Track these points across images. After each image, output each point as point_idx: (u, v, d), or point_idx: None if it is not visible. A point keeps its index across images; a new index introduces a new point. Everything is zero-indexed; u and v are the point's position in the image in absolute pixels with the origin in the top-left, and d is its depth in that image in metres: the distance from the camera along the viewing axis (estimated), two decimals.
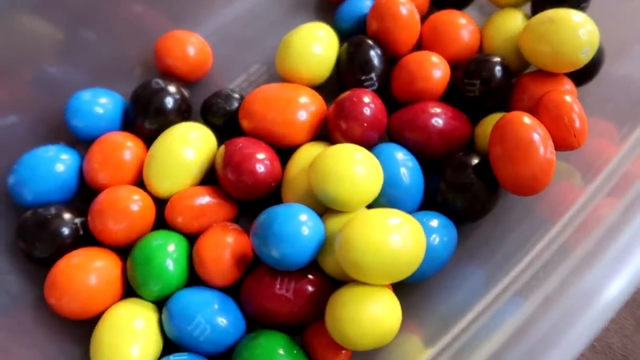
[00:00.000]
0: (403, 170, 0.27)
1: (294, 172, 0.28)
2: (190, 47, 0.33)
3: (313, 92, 0.30)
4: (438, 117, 0.29)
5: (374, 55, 0.31)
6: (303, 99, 0.29)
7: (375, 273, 0.23)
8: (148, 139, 0.30)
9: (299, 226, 0.24)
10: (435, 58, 0.30)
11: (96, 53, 0.33)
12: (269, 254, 0.24)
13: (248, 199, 0.28)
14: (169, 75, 0.33)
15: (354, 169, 0.25)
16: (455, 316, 0.23)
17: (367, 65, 0.31)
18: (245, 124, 0.30)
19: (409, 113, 0.29)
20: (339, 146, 0.26)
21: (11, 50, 0.30)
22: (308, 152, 0.29)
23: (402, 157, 0.28)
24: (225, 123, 0.31)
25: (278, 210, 0.25)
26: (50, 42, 0.32)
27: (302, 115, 0.29)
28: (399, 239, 0.23)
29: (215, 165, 0.29)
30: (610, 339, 0.27)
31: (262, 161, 0.27)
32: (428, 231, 0.26)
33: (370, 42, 0.31)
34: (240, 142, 0.28)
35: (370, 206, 0.27)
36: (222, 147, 0.29)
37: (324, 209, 0.27)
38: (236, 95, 0.31)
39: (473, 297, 0.23)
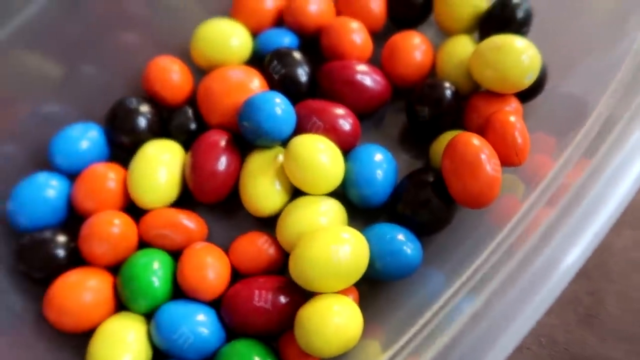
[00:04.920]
0: (379, 171, 0.31)
1: (250, 177, 0.31)
2: (174, 74, 0.35)
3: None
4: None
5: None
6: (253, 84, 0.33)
7: (324, 284, 0.26)
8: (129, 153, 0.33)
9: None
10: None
11: (89, 83, 0.36)
12: None
13: (213, 198, 0.32)
14: (156, 99, 0.35)
15: (321, 155, 0.29)
16: (414, 316, 0.25)
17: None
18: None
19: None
20: (309, 137, 0.30)
21: (10, 85, 0.34)
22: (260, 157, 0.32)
23: (379, 158, 0.31)
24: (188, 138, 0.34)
25: None
26: (45, 76, 0.35)
27: None
28: (342, 255, 0.26)
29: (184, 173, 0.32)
30: (555, 334, 0.30)
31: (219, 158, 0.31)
32: (399, 243, 0.28)
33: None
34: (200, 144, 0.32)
35: (346, 201, 0.31)
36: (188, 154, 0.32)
37: (287, 199, 0.31)
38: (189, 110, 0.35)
39: (430, 299, 0.26)
